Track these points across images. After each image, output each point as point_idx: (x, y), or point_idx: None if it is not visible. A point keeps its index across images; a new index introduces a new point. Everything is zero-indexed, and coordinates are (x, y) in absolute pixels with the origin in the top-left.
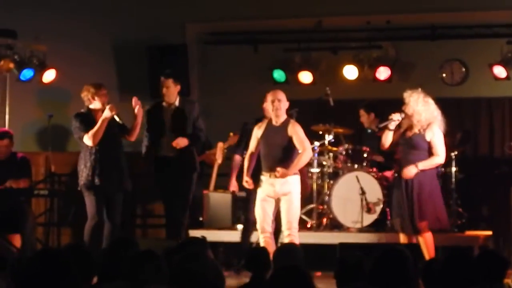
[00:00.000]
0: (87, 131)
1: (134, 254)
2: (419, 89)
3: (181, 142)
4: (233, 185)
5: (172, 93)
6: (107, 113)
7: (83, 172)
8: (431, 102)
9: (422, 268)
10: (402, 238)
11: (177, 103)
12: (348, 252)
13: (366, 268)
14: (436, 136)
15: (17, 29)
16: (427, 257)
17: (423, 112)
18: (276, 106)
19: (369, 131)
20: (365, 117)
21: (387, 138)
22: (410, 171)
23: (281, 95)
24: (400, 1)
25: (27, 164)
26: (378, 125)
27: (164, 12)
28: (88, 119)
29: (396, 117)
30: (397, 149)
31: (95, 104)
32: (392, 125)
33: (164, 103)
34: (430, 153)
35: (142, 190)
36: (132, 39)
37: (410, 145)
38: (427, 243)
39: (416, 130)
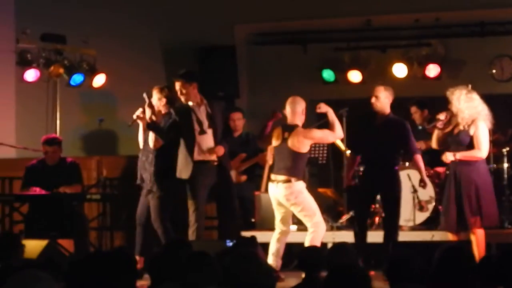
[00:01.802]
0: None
1: (187, 255)
2: (463, 86)
3: (220, 151)
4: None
5: (187, 93)
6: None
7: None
8: (475, 97)
9: (479, 265)
10: (451, 236)
11: (205, 102)
12: (399, 250)
13: (417, 266)
14: (479, 130)
15: (66, 34)
16: (476, 255)
17: (466, 109)
18: None
19: (420, 127)
20: (418, 114)
21: (436, 137)
22: (446, 157)
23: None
24: None
25: (77, 169)
26: (427, 125)
27: (213, 14)
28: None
29: (442, 116)
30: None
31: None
32: (440, 124)
33: (192, 104)
34: (473, 147)
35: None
36: (181, 41)
37: (457, 142)
38: (478, 240)
39: (461, 127)
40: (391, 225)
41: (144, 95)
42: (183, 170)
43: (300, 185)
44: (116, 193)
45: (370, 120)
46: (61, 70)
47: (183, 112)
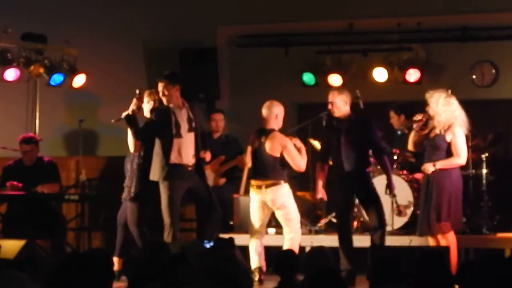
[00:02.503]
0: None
1: (166, 257)
2: (443, 90)
3: (208, 157)
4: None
5: (169, 95)
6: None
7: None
8: (453, 102)
9: (457, 270)
10: (431, 241)
11: (187, 105)
12: (382, 254)
13: (400, 270)
14: (456, 137)
15: (47, 34)
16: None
17: (443, 113)
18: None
19: (399, 132)
20: (395, 119)
21: (412, 139)
22: (426, 168)
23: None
24: (431, 3)
25: (54, 168)
26: (403, 127)
27: (195, 15)
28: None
29: (419, 117)
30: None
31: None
32: (416, 126)
33: (173, 106)
34: (451, 154)
35: None
36: (163, 42)
37: (433, 146)
38: (449, 245)
39: (437, 131)
40: (381, 226)
41: (137, 90)
42: (156, 172)
43: (287, 188)
44: (94, 193)
45: (334, 127)
46: (41, 70)
47: (162, 114)
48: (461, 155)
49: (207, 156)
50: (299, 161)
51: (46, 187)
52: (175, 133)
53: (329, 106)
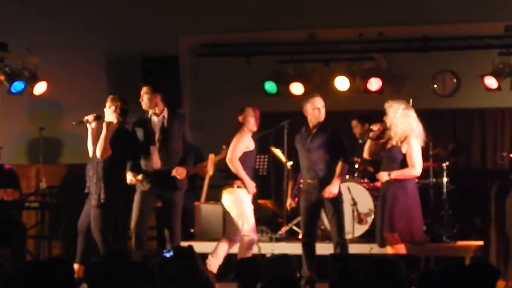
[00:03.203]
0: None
1: (126, 266)
2: (403, 101)
3: (182, 173)
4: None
5: (148, 100)
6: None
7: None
8: (411, 114)
9: (417, 279)
10: (389, 249)
11: (165, 114)
12: (345, 262)
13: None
14: (411, 148)
15: (8, 42)
16: None
17: (400, 124)
18: None
19: (361, 141)
20: (358, 128)
21: (368, 148)
22: (381, 176)
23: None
24: (393, 13)
25: (14, 176)
26: (359, 136)
27: (157, 24)
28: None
29: (375, 128)
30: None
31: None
32: (373, 135)
33: (150, 114)
34: (406, 165)
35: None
36: (124, 50)
37: (389, 157)
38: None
39: (394, 142)
40: (341, 238)
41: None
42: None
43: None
44: (55, 201)
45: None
46: (2, 77)
47: (139, 122)
48: (416, 167)
49: (179, 173)
50: (234, 164)
51: (6, 193)
52: (150, 141)
53: (319, 111)
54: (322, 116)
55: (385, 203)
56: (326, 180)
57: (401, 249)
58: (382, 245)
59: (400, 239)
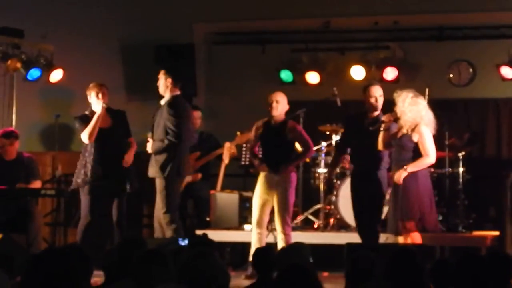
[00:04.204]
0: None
1: (142, 254)
2: (411, 89)
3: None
4: None
5: (161, 85)
6: (98, 109)
7: (81, 172)
8: (421, 102)
9: (431, 268)
10: (400, 239)
11: (164, 100)
12: (360, 252)
13: (377, 269)
14: (423, 136)
15: (24, 29)
16: None
17: (409, 112)
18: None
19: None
20: None
21: (381, 139)
22: (399, 176)
23: (279, 96)
24: (408, 2)
25: (35, 165)
26: (370, 127)
27: (172, 12)
28: (88, 120)
29: (386, 118)
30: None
31: (96, 105)
32: (384, 126)
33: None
34: (418, 153)
35: (149, 190)
36: (139, 38)
37: (400, 145)
38: (413, 243)
39: (404, 130)
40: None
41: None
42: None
43: None
44: (70, 189)
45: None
46: (18, 65)
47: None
48: (430, 154)
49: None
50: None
51: (29, 186)
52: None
53: (374, 101)
54: (378, 105)
55: (397, 192)
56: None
57: (417, 237)
58: (397, 233)
59: (413, 228)
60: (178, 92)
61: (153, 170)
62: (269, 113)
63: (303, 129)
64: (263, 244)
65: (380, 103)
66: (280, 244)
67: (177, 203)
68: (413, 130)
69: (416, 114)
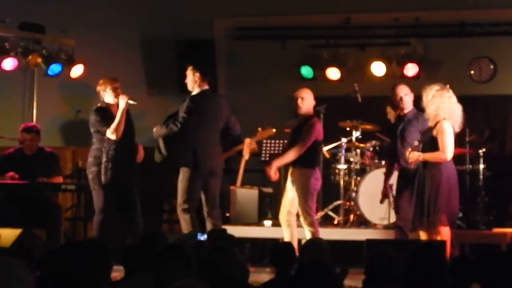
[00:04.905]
0: (108, 125)
1: (162, 248)
2: (438, 84)
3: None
4: None
5: (189, 81)
6: (122, 103)
7: (95, 167)
8: (445, 95)
9: (452, 265)
10: (422, 235)
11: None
12: (379, 249)
13: (396, 266)
14: (441, 132)
15: (44, 24)
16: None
17: (432, 105)
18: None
19: None
20: (392, 114)
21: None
22: (414, 157)
23: (304, 93)
24: None
25: (56, 160)
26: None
27: (192, 7)
28: (108, 113)
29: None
30: None
31: (109, 98)
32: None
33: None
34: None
35: (169, 185)
36: (160, 34)
37: (423, 140)
38: (443, 238)
39: (429, 123)
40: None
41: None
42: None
43: None
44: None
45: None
46: (39, 60)
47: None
48: (445, 151)
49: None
50: None
51: (51, 181)
52: None
53: (399, 100)
54: (404, 104)
55: (422, 186)
56: None
57: (446, 232)
58: (422, 228)
59: (445, 222)
60: (206, 87)
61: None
62: (295, 111)
63: (316, 127)
64: (294, 235)
65: (406, 101)
66: (308, 236)
67: (194, 196)
68: (435, 124)
69: (437, 108)
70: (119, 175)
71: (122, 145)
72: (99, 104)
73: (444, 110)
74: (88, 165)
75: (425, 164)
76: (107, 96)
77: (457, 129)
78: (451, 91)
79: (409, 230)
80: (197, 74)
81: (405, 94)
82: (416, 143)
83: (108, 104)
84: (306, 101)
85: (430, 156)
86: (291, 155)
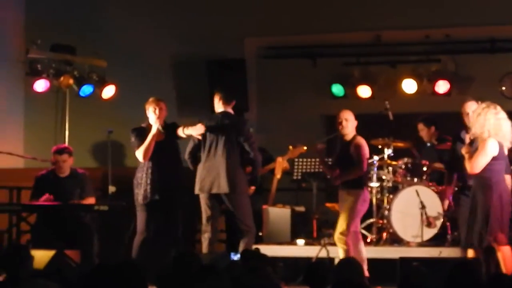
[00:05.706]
0: (139, 146)
1: (196, 269)
2: (487, 102)
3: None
4: None
5: (215, 103)
6: (154, 128)
7: (139, 188)
8: (490, 113)
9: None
10: (470, 253)
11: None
12: (412, 267)
13: (429, 284)
14: (481, 148)
15: (76, 45)
16: (505, 271)
17: (476, 123)
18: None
19: (428, 144)
20: (425, 131)
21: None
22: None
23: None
24: (459, 15)
25: (89, 181)
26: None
27: (223, 27)
28: (144, 133)
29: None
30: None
31: (150, 119)
32: (464, 150)
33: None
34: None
35: None
36: (191, 53)
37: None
38: (504, 256)
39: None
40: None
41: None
42: None
43: None
44: (124, 204)
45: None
46: (71, 81)
47: None
48: (472, 164)
49: None
50: None
51: (83, 202)
52: None
53: (465, 117)
54: (468, 121)
55: (476, 204)
56: None
57: (507, 251)
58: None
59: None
60: (228, 110)
61: None
62: (339, 131)
63: (364, 146)
64: (351, 253)
65: (471, 119)
66: (341, 256)
67: (208, 216)
68: (481, 142)
69: (481, 126)
70: (159, 196)
71: (162, 166)
72: (142, 124)
73: (489, 128)
74: (134, 185)
75: (477, 181)
76: (149, 116)
77: (509, 145)
78: (498, 107)
79: (461, 246)
80: (218, 97)
81: (472, 112)
82: (467, 140)
83: (148, 124)
84: (350, 122)
85: (467, 158)
86: (351, 176)
